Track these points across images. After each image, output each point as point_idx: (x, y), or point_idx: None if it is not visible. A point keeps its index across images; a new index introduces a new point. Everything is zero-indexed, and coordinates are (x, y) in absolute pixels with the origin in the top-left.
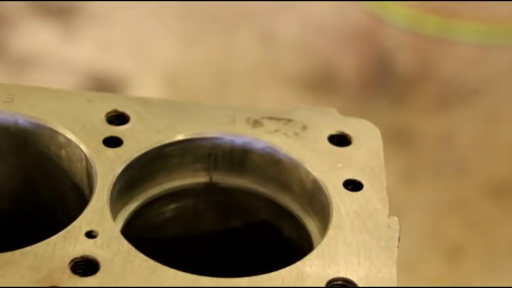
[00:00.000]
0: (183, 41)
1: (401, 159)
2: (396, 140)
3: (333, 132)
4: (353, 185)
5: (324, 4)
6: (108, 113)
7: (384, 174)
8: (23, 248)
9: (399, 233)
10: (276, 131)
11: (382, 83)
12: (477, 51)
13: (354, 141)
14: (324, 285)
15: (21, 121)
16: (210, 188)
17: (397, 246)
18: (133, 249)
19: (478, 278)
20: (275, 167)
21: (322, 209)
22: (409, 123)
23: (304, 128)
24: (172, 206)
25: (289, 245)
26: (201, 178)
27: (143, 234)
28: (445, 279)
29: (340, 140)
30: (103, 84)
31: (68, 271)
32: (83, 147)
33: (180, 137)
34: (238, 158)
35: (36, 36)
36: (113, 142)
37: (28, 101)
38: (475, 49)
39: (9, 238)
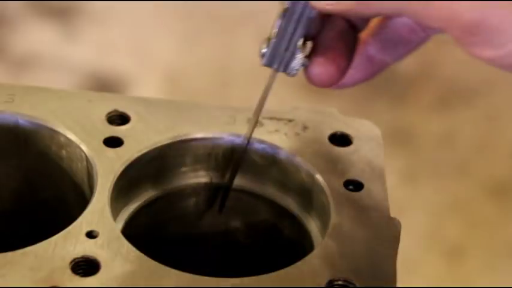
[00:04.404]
0: (183, 41)
1: (401, 159)
2: (397, 140)
3: (334, 132)
4: (353, 185)
5: None
6: (108, 113)
7: (384, 174)
8: (24, 248)
9: (399, 233)
10: (277, 131)
11: (382, 83)
12: None
13: (355, 141)
14: (324, 285)
15: (22, 121)
16: (210, 188)
17: (397, 246)
18: (134, 249)
19: (479, 278)
20: (275, 167)
21: (322, 209)
22: (409, 123)
23: (305, 128)
24: (173, 206)
25: (289, 245)
26: (202, 178)
27: (144, 234)
28: (445, 279)
29: (341, 140)
30: (103, 84)
31: (69, 271)
32: (83, 147)
33: (180, 137)
34: (238, 158)
35: (36, 36)
36: (113, 142)
37: (28, 101)
38: None
39: (9, 238)
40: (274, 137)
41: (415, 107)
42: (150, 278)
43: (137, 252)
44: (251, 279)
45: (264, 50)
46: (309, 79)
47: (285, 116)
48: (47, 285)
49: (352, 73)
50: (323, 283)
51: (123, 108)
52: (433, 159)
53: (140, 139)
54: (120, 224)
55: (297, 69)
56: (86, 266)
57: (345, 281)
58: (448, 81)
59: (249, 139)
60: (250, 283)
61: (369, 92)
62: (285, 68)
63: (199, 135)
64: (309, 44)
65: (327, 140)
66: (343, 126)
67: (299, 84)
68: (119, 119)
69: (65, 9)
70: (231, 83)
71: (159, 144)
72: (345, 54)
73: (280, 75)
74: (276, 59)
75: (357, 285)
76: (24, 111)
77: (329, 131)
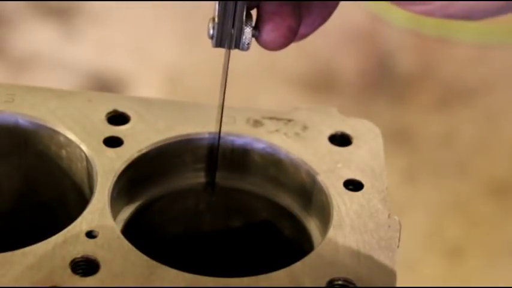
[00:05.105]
0: (184, 41)
1: (401, 159)
2: (397, 139)
3: (334, 132)
4: (353, 185)
5: None
6: (108, 113)
7: (384, 174)
8: (24, 248)
9: (399, 233)
10: (277, 131)
11: (382, 83)
12: (477, 51)
13: (355, 141)
14: (324, 285)
15: (22, 121)
16: (210, 188)
17: (398, 246)
18: (134, 249)
19: (479, 278)
20: (275, 167)
21: (322, 209)
22: (409, 123)
23: (305, 128)
24: (173, 206)
25: (289, 245)
26: (202, 178)
27: (143, 234)
28: (446, 279)
29: (341, 139)
30: (103, 84)
31: (69, 271)
32: (83, 147)
33: (180, 137)
34: (238, 158)
35: (36, 36)
36: (113, 142)
37: (28, 101)
38: (475, 49)
39: (9, 238)
40: (274, 137)
41: (415, 107)
42: (150, 278)
43: (137, 252)
44: (251, 279)
45: (211, 32)
46: (264, 47)
47: (285, 116)
48: (47, 285)
49: (312, 20)
50: (323, 283)
51: (123, 108)
52: (433, 158)
53: (140, 139)
54: (120, 224)
55: (248, 43)
56: (85, 266)
57: (345, 281)
58: (447, 81)
59: (220, 126)
60: (250, 283)
61: (369, 92)
62: (236, 44)
63: (199, 135)
64: (254, 13)
65: (326, 140)
66: (343, 126)
67: (299, 84)
68: (119, 118)
69: (65, 9)
70: (231, 83)
71: (159, 144)
72: (292, 13)
73: (278, 76)
74: (225, 38)
75: (357, 285)
76: (24, 111)
77: (329, 131)
